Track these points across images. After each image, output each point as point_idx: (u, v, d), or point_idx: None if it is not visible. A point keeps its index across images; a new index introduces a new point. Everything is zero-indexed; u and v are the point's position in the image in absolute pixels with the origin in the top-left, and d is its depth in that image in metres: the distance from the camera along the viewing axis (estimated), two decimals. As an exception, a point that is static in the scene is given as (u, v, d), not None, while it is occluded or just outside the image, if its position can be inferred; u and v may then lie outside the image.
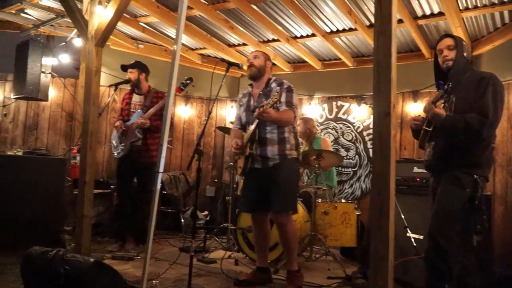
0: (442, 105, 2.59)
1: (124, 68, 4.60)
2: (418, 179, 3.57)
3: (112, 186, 5.44)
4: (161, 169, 2.45)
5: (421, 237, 3.29)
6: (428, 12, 4.31)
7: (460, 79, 2.67)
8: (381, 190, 2.26)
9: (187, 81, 4.14)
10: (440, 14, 4.26)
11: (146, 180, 4.58)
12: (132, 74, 4.55)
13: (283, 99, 3.15)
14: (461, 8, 4.10)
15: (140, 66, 4.60)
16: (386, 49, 2.32)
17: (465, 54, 2.69)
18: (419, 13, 4.34)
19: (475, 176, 2.53)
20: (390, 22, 2.33)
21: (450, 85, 2.54)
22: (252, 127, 3.18)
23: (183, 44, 6.04)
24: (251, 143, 3.21)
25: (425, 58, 5.23)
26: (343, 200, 4.45)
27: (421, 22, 4.44)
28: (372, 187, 2.29)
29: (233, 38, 5.71)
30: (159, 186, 2.50)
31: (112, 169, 5.85)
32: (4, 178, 4.35)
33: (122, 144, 4.46)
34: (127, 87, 4.73)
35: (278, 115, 3.06)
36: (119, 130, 4.47)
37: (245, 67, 6.49)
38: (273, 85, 3.30)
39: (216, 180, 6.72)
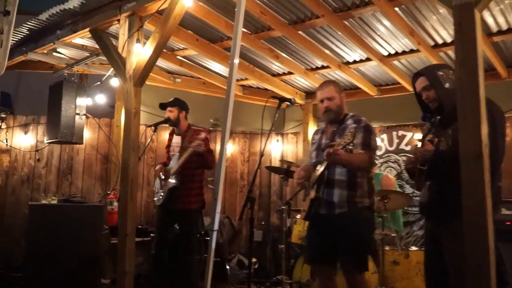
0: (436, 139, 2.52)
1: (163, 106, 4.61)
2: (508, 223, 3.33)
3: (152, 234, 5.42)
4: (216, 226, 2.37)
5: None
6: (504, 28, 4.14)
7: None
8: (478, 249, 2.08)
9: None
10: (519, 29, 4.08)
11: (187, 228, 4.54)
12: (171, 113, 4.53)
13: (359, 140, 3.00)
14: (543, 21, 3.91)
15: (179, 104, 4.59)
16: (472, 83, 2.18)
17: (447, 85, 2.56)
18: (494, 29, 4.17)
19: None
20: (475, 50, 2.20)
21: (439, 118, 2.49)
22: (321, 168, 3.06)
23: (222, 76, 6.09)
24: (318, 186, 3.11)
25: (501, 78, 5.03)
26: (414, 248, 4.21)
27: (496, 38, 4.26)
28: (467, 245, 2.11)
29: (278, 67, 5.70)
30: (213, 245, 2.41)
31: (151, 215, 5.85)
32: (38, 229, 4.43)
33: (162, 190, 4.45)
34: (167, 125, 4.74)
35: (349, 158, 2.92)
36: (160, 175, 4.45)
37: (298, 101, 6.47)
38: (349, 121, 3.17)
39: (263, 223, 6.60)
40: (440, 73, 2.63)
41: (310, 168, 3.26)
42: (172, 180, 4.35)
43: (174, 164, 4.41)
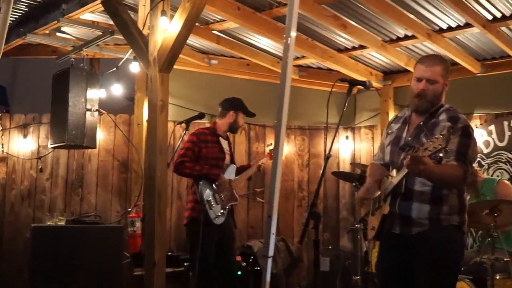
0: None
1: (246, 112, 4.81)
2: None
3: (186, 263, 5.49)
4: (271, 251, 2.39)
5: None
6: None
7: None
8: None
9: None
10: None
11: (235, 250, 4.77)
12: (243, 119, 4.79)
13: (453, 145, 2.87)
14: None
15: None
16: None
17: None
18: None
19: None
20: None
21: None
22: (397, 176, 3.02)
23: (271, 54, 6.11)
24: (393, 198, 3.07)
25: None
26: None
27: None
28: None
29: (346, 40, 5.69)
30: (268, 277, 2.44)
31: (184, 238, 5.92)
32: (43, 256, 4.58)
33: (227, 207, 4.60)
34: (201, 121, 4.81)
35: (440, 171, 2.83)
36: (226, 186, 4.57)
37: (375, 84, 6.42)
38: (442, 117, 3.07)
39: (330, 247, 6.58)
40: None
41: (380, 171, 3.24)
42: (237, 195, 4.67)
43: (231, 176, 4.70)
